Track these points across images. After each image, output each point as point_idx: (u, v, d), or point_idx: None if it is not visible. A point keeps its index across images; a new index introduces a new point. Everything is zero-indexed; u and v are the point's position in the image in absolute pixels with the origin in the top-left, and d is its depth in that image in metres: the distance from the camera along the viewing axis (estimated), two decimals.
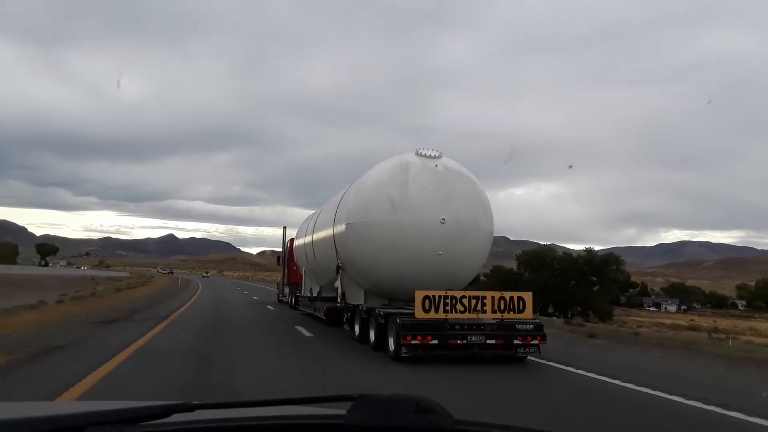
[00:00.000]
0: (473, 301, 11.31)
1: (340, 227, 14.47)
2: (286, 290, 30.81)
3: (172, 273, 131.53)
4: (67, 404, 3.82)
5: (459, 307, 11.21)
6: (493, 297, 11.45)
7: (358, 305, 14.40)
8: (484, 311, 11.35)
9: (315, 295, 21.27)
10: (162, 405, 1.51)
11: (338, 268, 15.15)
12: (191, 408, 1.52)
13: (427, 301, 11.11)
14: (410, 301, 13.97)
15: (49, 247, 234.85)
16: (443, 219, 12.71)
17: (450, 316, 11.18)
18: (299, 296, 25.47)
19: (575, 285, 50.38)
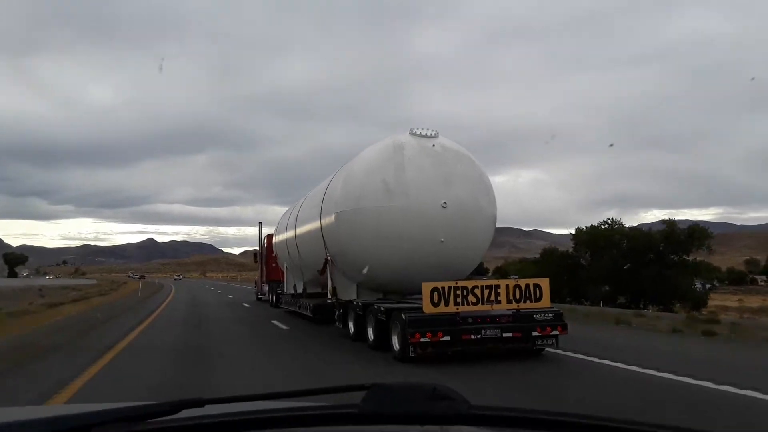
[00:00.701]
0: (486, 291, 9.68)
1: (329, 218, 12.72)
2: (265, 288, 28.80)
3: (144, 278, 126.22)
4: (72, 406, 2.96)
5: (471, 298, 9.57)
6: (507, 286, 9.86)
7: (351, 301, 12.67)
8: (499, 302, 9.74)
9: (300, 292, 19.45)
10: (171, 402, 1.38)
11: (327, 262, 13.40)
12: (201, 403, 1.39)
13: (435, 293, 9.45)
14: (406, 294, 12.39)
15: (17, 256, 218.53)
16: (445, 203, 11.06)
17: (461, 308, 9.55)
18: (281, 294, 23.53)
19: (649, 266, 38.82)
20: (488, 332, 9.61)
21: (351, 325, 12.59)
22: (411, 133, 11.74)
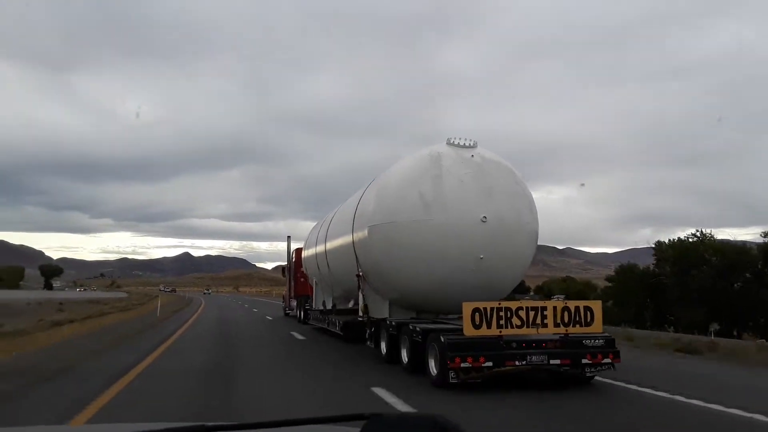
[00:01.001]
0: (531, 313, 8.72)
1: (362, 232, 11.92)
2: (293, 303, 27.83)
3: (175, 291, 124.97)
4: (76, 428, 3.17)
5: (515, 320, 8.62)
6: (555, 308, 8.89)
7: (383, 319, 11.80)
8: (545, 325, 8.77)
9: (329, 308, 18.62)
10: (173, 428, 1.37)
11: (359, 278, 12.56)
12: (204, 430, 1.36)
13: (477, 314, 8.53)
14: (441, 314, 11.51)
15: (53, 268, 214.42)
16: (484, 217, 10.17)
17: (505, 332, 8.60)
18: (309, 309, 22.67)
19: (745, 287, 32.21)
20: (534, 358, 8.64)
21: (383, 346, 11.71)
22: (448, 143, 10.91)
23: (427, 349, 9.28)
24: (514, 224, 10.51)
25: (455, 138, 10.98)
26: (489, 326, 8.57)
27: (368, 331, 12.80)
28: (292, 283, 27.72)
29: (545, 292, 58.46)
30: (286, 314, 30.54)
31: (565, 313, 8.87)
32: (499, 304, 8.74)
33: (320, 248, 17.84)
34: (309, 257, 20.89)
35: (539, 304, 8.98)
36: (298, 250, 25.71)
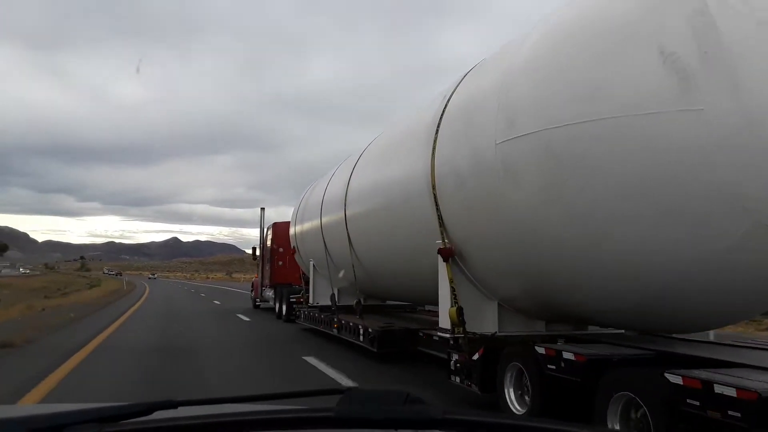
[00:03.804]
0: None
1: (461, 162, 5.16)
2: (268, 293, 19.34)
3: (120, 275, 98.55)
4: (45, 406, 2.44)
5: None
6: None
7: (525, 344, 5.09)
8: None
9: (342, 304, 11.70)
10: (144, 403, 1.17)
11: (445, 254, 5.79)
12: (174, 405, 1.20)
13: None
14: (616, 328, 4.99)
15: None
16: None
17: None
18: (295, 304, 15.15)
19: None
20: None
21: (511, 395, 4.97)
22: None
23: None
24: None
25: None
26: None
27: (457, 357, 5.94)
28: (267, 268, 19.44)
29: None
30: (256, 306, 22.14)
31: None
32: None
33: (331, 217, 10.98)
34: (307, 232, 13.74)
35: None
36: (279, 225, 18.37)
